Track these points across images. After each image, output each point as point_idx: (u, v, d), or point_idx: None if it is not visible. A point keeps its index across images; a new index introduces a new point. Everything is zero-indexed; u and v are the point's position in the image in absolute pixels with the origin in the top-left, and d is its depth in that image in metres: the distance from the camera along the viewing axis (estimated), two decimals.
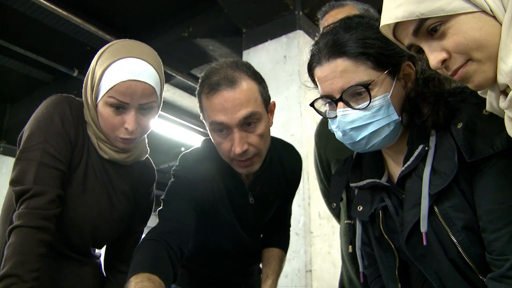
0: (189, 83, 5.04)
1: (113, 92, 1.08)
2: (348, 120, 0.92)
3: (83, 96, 1.17)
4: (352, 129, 0.93)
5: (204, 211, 1.29)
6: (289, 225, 1.68)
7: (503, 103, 0.72)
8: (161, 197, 1.28)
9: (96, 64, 1.13)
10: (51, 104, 1.12)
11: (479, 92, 0.80)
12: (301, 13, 3.28)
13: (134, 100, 1.09)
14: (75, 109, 1.15)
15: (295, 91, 3.07)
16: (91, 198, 1.16)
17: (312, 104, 1.01)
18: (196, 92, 1.30)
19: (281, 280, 2.76)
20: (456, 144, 0.87)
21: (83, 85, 1.17)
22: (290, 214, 1.68)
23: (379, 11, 0.86)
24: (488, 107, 0.78)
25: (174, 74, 4.68)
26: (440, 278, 0.91)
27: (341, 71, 0.91)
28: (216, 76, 1.24)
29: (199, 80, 1.29)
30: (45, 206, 1.02)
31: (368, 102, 0.90)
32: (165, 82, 5.19)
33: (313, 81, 1.02)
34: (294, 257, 2.72)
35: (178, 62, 4.56)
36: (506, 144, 0.80)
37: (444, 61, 0.74)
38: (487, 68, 0.71)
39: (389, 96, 0.91)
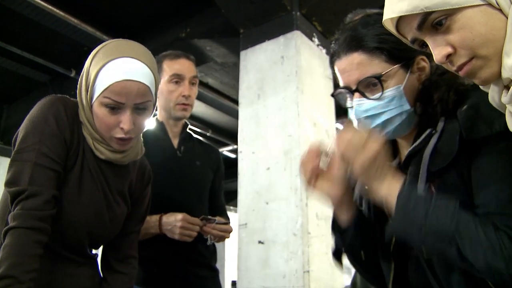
0: None
1: (108, 93, 1.08)
2: (363, 109, 0.99)
3: (77, 96, 1.17)
4: (366, 117, 0.99)
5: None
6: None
7: (505, 97, 0.72)
8: None
9: (91, 65, 1.12)
10: (46, 105, 1.12)
11: (481, 87, 0.79)
12: (298, 13, 3.28)
13: (130, 99, 1.10)
14: (70, 110, 1.15)
15: (292, 91, 3.07)
16: (87, 198, 1.16)
17: (333, 95, 1.08)
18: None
19: (279, 281, 2.76)
20: (460, 127, 0.89)
21: (78, 86, 1.17)
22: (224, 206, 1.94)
23: None
24: (490, 100, 0.78)
25: None
26: (432, 262, 0.92)
27: (357, 64, 0.99)
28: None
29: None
30: (41, 206, 1.02)
31: (381, 92, 0.97)
32: None
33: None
34: (291, 258, 2.72)
35: None
36: (505, 127, 0.79)
37: (448, 56, 0.74)
38: (493, 64, 0.70)
39: (401, 88, 0.97)
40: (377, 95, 0.97)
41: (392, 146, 1.10)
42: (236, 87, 3.75)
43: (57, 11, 3.60)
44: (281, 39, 3.27)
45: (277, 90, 3.16)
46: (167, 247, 1.66)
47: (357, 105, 0.99)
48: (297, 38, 3.19)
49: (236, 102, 3.63)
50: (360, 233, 1.06)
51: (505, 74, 0.69)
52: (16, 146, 1.08)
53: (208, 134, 6.31)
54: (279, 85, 3.16)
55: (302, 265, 2.67)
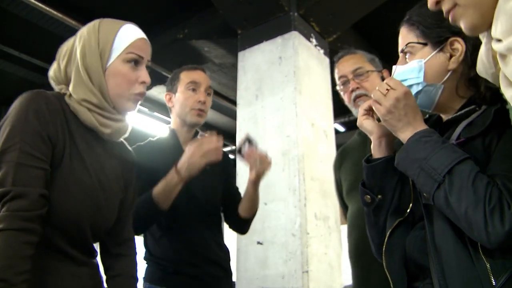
0: None
1: (132, 48, 1.21)
2: (395, 74, 1.11)
3: (75, 76, 1.18)
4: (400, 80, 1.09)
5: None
6: None
7: (495, 45, 0.75)
8: None
9: (99, 35, 1.20)
10: (24, 102, 1.09)
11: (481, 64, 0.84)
12: (296, 14, 3.28)
13: (147, 55, 1.24)
14: (51, 103, 1.13)
15: (290, 92, 3.07)
16: (82, 187, 1.14)
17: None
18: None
19: (278, 281, 2.76)
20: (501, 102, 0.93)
21: (78, 62, 1.18)
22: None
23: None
24: (479, 66, 0.84)
25: (169, 76, 4.68)
26: (434, 234, 0.95)
27: (401, 36, 1.13)
28: None
29: None
30: (27, 207, 0.99)
31: (406, 64, 1.09)
32: (160, 84, 5.19)
33: None
34: (290, 258, 2.72)
35: (173, 64, 4.52)
36: None
37: (437, 3, 0.83)
38: (471, 13, 0.77)
39: (423, 62, 1.05)
40: (404, 65, 1.10)
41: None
42: (234, 88, 3.76)
43: (55, 12, 3.60)
44: (278, 39, 3.27)
45: (275, 90, 3.16)
46: (182, 247, 1.72)
47: (395, 70, 1.12)
48: (294, 38, 3.20)
49: (234, 102, 3.63)
50: (386, 173, 1.10)
51: (493, 32, 0.74)
52: None
53: (206, 135, 6.29)
54: (277, 86, 3.16)
55: (301, 265, 2.67)
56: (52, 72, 1.25)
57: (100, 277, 1.26)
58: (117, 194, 1.27)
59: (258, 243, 2.86)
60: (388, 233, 1.08)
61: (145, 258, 1.80)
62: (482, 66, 0.84)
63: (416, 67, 1.06)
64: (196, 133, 1.94)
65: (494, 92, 0.96)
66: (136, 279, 1.32)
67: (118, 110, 1.23)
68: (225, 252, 1.87)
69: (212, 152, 1.62)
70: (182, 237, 1.72)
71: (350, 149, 1.84)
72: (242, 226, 1.95)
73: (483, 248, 0.85)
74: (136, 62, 1.21)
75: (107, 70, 1.20)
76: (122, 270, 1.29)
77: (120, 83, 1.20)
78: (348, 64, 1.71)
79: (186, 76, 1.90)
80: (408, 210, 1.07)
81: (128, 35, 1.22)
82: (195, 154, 1.59)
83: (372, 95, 1.05)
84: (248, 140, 1.76)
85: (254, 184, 1.81)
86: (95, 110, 1.19)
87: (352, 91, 1.67)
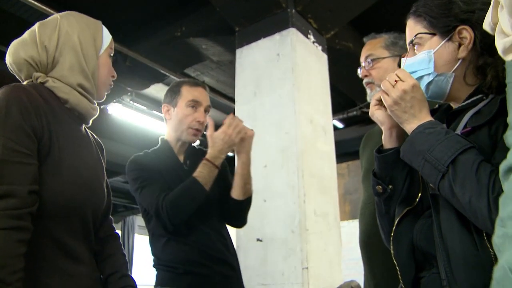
0: None
1: (112, 44, 1.35)
2: (406, 66, 1.11)
3: (71, 61, 1.21)
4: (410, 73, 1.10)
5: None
6: None
7: None
8: (138, 184, 1.75)
9: (89, 26, 1.31)
10: (4, 97, 1.07)
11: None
12: (293, 10, 3.28)
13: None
14: (31, 94, 1.11)
15: (288, 89, 3.07)
16: (76, 173, 1.14)
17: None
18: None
19: (278, 278, 2.77)
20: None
21: (72, 53, 1.22)
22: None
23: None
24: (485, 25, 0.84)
25: (167, 74, 4.67)
26: (440, 222, 0.95)
27: (409, 28, 1.13)
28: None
29: None
30: (16, 205, 0.98)
31: (415, 56, 1.09)
32: (158, 82, 5.18)
33: None
34: (290, 255, 2.73)
35: (171, 62, 4.55)
36: None
37: None
38: None
39: (432, 52, 1.06)
40: (413, 56, 1.10)
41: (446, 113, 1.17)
42: (232, 85, 3.75)
43: (51, 11, 3.58)
44: (276, 36, 3.27)
45: (273, 87, 3.16)
46: (190, 248, 1.73)
47: (404, 63, 1.12)
48: (292, 35, 3.19)
49: (232, 100, 3.63)
50: (396, 164, 1.10)
51: None
52: None
53: (204, 132, 6.29)
54: (275, 83, 3.16)
55: (301, 262, 2.68)
56: (29, 58, 1.20)
57: (98, 273, 1.26)
58: (102, 176, 1.29)
59: (258, 240, 2.87)
60: (396, 221, 1.08)
61: (154, 265, 1.80)
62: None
63: (425, 58, 1.06)
64: (190, 143, 1.97)
65: (501, 82, 0.96)
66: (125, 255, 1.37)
67: (97, 97, 1.32)
68: (232, 252, 1.87)
69: (242, 131, 1.76)
70: (189, 239, 1.74)
71: (373, 135, 1.84)
72: (238, 213, 1.90)
73: (488, 235, 0.85)
74: (110, 57, 1.36)
75: (98, 60, 1.29)
76: (113, 249, 1.32)
77: (106, 73, 1.32)
78: (365, 50, 1.75)
79: (188, 92, 1.91)
80: (417, 199, 1.07)
81: (107, 32, 1.36)
82: (231, 135, 1.73)
83: (381, 85, 1.06)
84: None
85: (241, 154, 1.85)
86: (85, 95, 1.24)
87: (362, 78, 1.72)
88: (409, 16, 1.14)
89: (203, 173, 1.69)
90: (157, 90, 5.54)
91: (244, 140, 1.81)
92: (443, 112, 1.15)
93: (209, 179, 1.70)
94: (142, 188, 1.74)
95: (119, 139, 5.98)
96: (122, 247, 1.37)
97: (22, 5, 3.68)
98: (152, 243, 1.81)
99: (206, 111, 1.94)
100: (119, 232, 4.15)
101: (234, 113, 3.34)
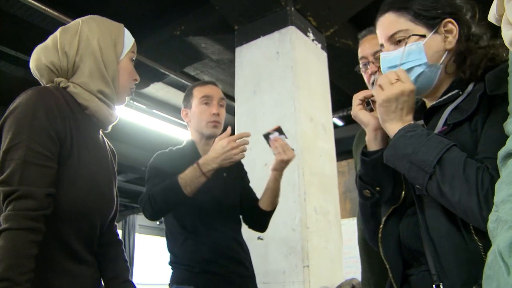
0: (182, 81, 5.03)
1: (134, 48, 1.35)
2: (387, 61, 1.10)
3: (91, 67, 1.21)
4: (389, 67, 1.09)
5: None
6: None
7: None
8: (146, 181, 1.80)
9: (111, 31, 1.29)
10: (31, 99, 1.09)
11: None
12: (293, 8, 3.27)
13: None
14: (58, 98, 1.13)
15: (288, 87, 3.07)
16: (91, 180, 1.17)
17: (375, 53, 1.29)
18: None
19: (279, 276, 2.77)
20: (485, 87, 0.94)
21: (92, 59, 1.22)
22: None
23: None
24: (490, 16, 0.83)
25: (167, 73, 4.67)
26: (425, 215, 0.96)
27: (387, 23, 1.11)
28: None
29: None
30: (33, 207, 1.00)
31: (404, 47, 1.07)
32: (158, 81, 5.19)
33: None
34: (291, 253, 2.73)
35: (170, 61, 4.55)
36: None
37: None
38: None
39: (422, 44, 1.05)
40: (400, 50, 1.08)
41: (421, 107, 1.17)
42: (232, 84, 3.75)
43: (51, 11, 3.58)
44: (276, 34, 3.26)
45: (273, 86, 3.16)
46: (207, 248, 1.77)
47: (383, 58, 1.11)
48: (292, 33, 3.19)
49: (232, 98, 3.63)
50: (384, 165, 1.09)
51: None
52: (5, 144, 1.04)
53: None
54: (275, 81, 3.16)
55: (302, 260, 2.68)
56: (50, 63, 1.22)
57: (99, 274, 1.27)
58: (114, 183, 1.31)
59: (259, 238, 2.87)
60: (383, 221, 1.09)
61: (170, 263, 1.84)
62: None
63: (415, 49, 1.06)
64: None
65: (479, 70, 1.00)
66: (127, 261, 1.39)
67: (117, 101, 1.31)
68: (246, 252, 1.92)
69: (242, 148, 1.74)
70: (206, 239, 1.79)
71: (366, 134, 1.84)
72: (263, 221, 2.01)
73: (475, 229, 0.87)
74: (132, 61, 1.34)
75: (118, 64, 1.28)
76: (116, 255, 1.33)
77: (127, 78, 1.31)
78: (370, 45, 1.67)
79: (198, 92, 1.99)
80: (402, 197, 1.07)
81: (129, 36, 1.35)
82: (233, 148, 1.68)
83: (378, 80, 1.05)
84: (279, 130, 1.86)
85: (276, 171, 1.90)
86: (105, 101, 1.25)
87: (371, 74, 1.65)
88: (386, 10, 1.12)
89: (186, 176, 1.67)
90: (157, 89, 5.54)
91: (285, 162, 1.88)
92: (418, 110, 1.14)
93: (191, 183, 1.67)
94: (146, 183, 1.82)
95: (119, 138, 5.99)
96: (124, 252, 1.38)
97: (22, 5, 3.68)
98: (169, 240, 1.87)
99: (220, 104, 1.99)
100: (119, 231, 4.17)
101: (234, 113, 3.34)
